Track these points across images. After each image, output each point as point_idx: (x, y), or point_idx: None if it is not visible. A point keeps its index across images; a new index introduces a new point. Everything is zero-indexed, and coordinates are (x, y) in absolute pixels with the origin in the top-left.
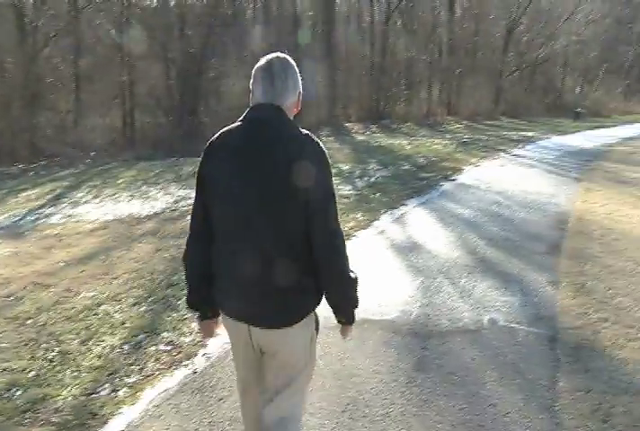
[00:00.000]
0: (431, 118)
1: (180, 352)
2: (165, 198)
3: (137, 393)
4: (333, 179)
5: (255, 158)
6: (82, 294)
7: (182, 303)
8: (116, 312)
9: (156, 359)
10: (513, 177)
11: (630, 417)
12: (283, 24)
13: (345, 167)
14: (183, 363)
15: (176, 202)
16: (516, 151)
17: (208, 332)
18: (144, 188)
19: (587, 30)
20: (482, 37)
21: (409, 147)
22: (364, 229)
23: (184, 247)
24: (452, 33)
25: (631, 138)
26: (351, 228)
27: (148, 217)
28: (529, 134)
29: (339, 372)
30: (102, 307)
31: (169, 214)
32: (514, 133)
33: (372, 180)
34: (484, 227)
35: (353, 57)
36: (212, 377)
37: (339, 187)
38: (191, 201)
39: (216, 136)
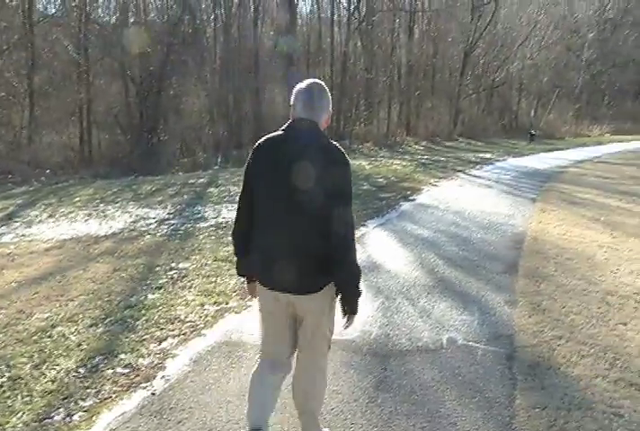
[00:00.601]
0: (391, 138)
1: (138, 374)
2: (124, 218)
3: (93, 417)
4: None
5: (293, 160)
6: (35, 316)
7: (141, 323)
8: (72, 333)
9: (114, 382)
10: (471, 197)
11: None
12: (243, 43)
13: None
14: (142, 385)
15: (135, 222)
16: (474, 171)
17: (252, 292)
18: (101, 206)
19: (540, 56)
20: (440, 59)
21: (369, 167)
22: None
23: (141, 265)
24: (411, 55)
25: (582, 161)
26: None
27: (106, 237)
28: (487, 155)
29: None
30: (57, 329)
31: (127, 233)
32: (472, 154)
33: None
34: (442, 247)
35: (314, 78)
36: (171, 399)
37: None
38: (150, 221)
39: (261, 140)
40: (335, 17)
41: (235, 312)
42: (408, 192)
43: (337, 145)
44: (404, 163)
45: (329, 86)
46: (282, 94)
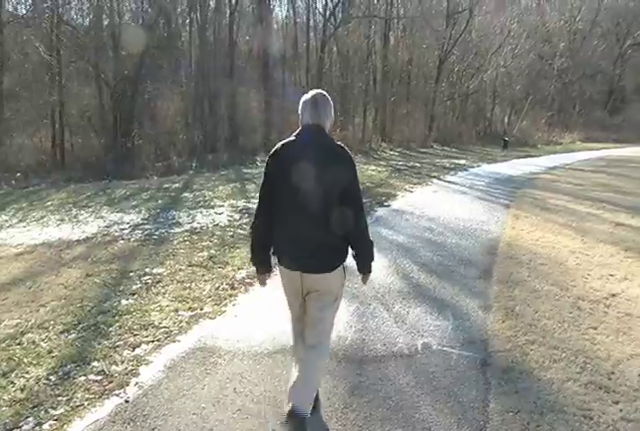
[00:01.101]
0: (366, 144)
1: (111, 381)
2: (97, 222)
3: (64, 426)
4: None
5: (307, 160)
6: (4, 323)
7: (114, 329)
8: (42, 340)
9: (86, 389)
10: (446, 203)
11: None
12: (218, 47)
13: None
14: (115, 392)
15: (108, 226)
16: (448, 178)
17: (262, 282)
18: (74, 211)
19: (513, 64)
20: (415, 66)
21: None
22: None
23: (115, 271)
24: (386, 61)
25: (554, 167)
26: None
27: (79, 242)
28: (461, 161)
29: (274, 398)
30: (27, 336)
31: (101, 238)
32: (446, 160)
33: None
34: (417, 253)
35: (289, 83)
36: (145, 406)
37: None
38: (124, 226)
39: (279, 145)
40: (311, 23)
41: (210, 318)
42: (383, 198)
43: (342, 144)
44: (380, 169)
45: (304, 92)
46: (258, 99)
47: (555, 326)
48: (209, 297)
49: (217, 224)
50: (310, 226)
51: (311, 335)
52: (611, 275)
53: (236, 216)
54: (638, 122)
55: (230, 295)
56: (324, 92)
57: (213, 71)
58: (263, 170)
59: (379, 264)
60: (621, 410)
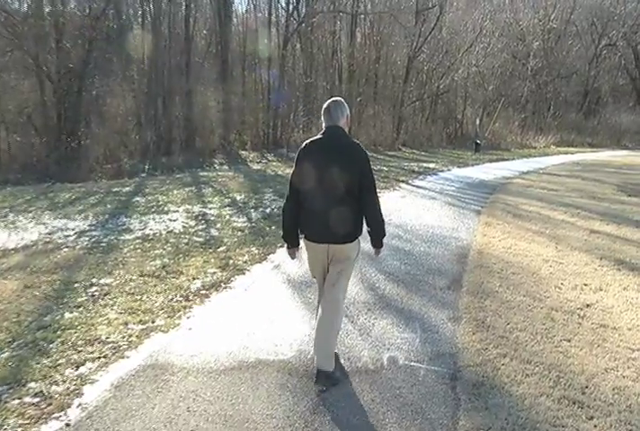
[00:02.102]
0: None
1: (50, 403)
2: (38, 229)
3: None
4: (226, 209)
5: (331, 155)
6: None
7: (55, 346)
8: None
9: (20, 414)
10: (414, 209)
11: None
12: (174, 42)
13: (239, 197)
14: (54, 415)
15: (51, 233)
16: (417, 182)
17: (292, 256)
18: (11, 216)
19: (485, 63)
20: (383, 64)
21: None
22: (259, 263)
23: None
24: (353, 59)
25: (528, 172)
26: (245, 262)
27: (16, 250)
28: (431, 165)
29: (231, 417)
30: None
31: (42, 246)
32: (415, 164)
33: (268, 211)
34: (383, 262)
35: (249, 81)
36: (89, 429)
37: (232, 219)
38: (69, 232)
39: (308, 141)
40: (273, 17)
41: (163, 332)
42: None
43: (357, 141)
44: None
45: (265, 90)
46: (216, 97)
47: (527, 338)
48: (162, 309)
49: (172, 231)
50: (333, 207)
51: (329, 293)
52: (585, 284)
53: (192, 223)
54: (613, 125)
55: (184, 307)
56: (337, 99)
57: (168, 67)
58: (295, 161)
59: None
60: (596, 426)
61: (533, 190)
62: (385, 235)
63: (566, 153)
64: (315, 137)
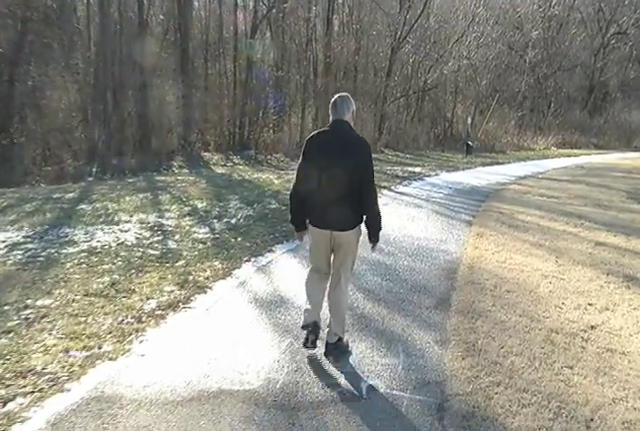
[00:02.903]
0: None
1: None
2: None
3: None
4: (185, 219)
5: (336, 146)
6: None
7: None
8: None
9: None
10: (397, 218)
11: None
12: (125, 26)
13: (201, 205)
14: None
15: None
16: (401, 188)
17: (301, 238)
18: None
19: (478, 55)
20: (363, 56)
21: (278, 182)
22: (223, 279)
23: None
24: (329, 50)
25: (525, 177)
26: (207, 278)
27: None
28: (416, 169)
29: None
30: None
31: None
32: (399, 168)
33: (233, 221)
34: (363, 278)
35: (212, 74)
36: None
37: (192, 230)
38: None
39: (314, 133)
40: (240, 1)
41: (111, 359)
42: None
43: (362, 136)
44: None
45: (231, 84)
46: (175, 92)
47: (523, 364)
48: (110, 333)
49: (123, 243)
50: (336, 196)
51: (335, 276)
52: (590, 304)
53: (146, 234)
54: (622, 124)
55: (136, 330)
56: (344, 94)
57: (119, 56)
58: (302, 151)
59: None
60: None
61: (531, 197)
62: (381, 229)
63: (569, 155)
64: (323, 129)
